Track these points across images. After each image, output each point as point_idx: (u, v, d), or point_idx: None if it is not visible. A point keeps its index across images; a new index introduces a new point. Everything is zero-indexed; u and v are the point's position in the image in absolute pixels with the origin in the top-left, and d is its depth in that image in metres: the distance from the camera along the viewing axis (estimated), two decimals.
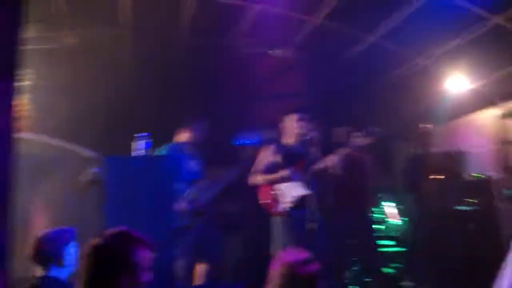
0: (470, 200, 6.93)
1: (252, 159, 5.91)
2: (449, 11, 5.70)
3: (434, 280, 6.13)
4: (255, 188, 5.50)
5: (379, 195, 7.68)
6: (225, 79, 7.71)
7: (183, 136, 5.81)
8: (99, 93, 6.56)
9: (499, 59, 6.36)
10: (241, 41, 7.49)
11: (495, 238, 6.68)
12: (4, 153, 2.58)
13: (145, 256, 2.46)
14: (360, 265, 6.37)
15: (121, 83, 6.76)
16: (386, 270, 6.85)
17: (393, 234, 7.44)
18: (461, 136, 8.03)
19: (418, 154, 6.28)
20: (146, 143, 4.46)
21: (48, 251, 3.39)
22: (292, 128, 5.44)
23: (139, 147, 4.44)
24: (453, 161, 7.22)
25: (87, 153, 5.66)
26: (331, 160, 5.29)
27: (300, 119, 5.40)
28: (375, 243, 6.20)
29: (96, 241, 2.46)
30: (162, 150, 5.50)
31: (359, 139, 5.42)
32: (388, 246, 7.15)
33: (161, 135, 5.42)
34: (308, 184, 5.06)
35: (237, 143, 7.01)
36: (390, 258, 7.01)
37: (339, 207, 5.99)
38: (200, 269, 5.53)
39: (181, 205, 5.22)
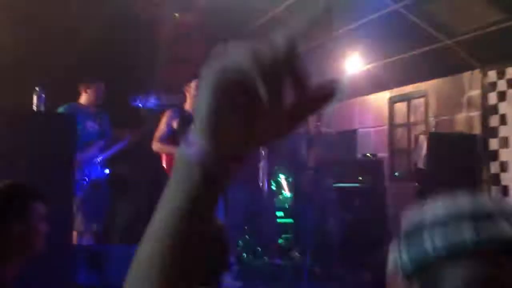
0: (360, 178, 7.27)
1: (150, 122, 5.83)
2: None
3: (320, 253, 6.35)
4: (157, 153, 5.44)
5: (275, 167, 7.85)
6: (128, 40, 7.50)
7: (83, 97, 5.63)
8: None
9: (394, 45, 6.63)
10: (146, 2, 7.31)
11: (380, 214, 7.07)
12: None
13: (39, 207, 2.38)
14: (253, 234, 6.48)
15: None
16: (277, 240, 7.05)
17: (283, 205, 7.65)
18: (355, 116, 8.36)
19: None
20: (41, 98, 4.25)
21: None
22: (193, 94, 5.39)
23: (37, 101, 4.23)
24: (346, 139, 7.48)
25: None
26: None
27: (199, 85, 5.34)
28: (269, 214, 6.32)
29: None
30: (60, 110, 5.30)
31: None
32: (279, 217, 7.34)
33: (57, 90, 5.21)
34: None
35: (135, 104, 6.86)
36: (280, 229, 7.21)
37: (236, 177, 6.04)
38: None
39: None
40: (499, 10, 5.28)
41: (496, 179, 5.88)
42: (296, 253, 6.67)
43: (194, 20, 7.46)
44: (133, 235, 6.56)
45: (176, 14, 7.40)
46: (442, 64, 6.53)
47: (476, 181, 6.08)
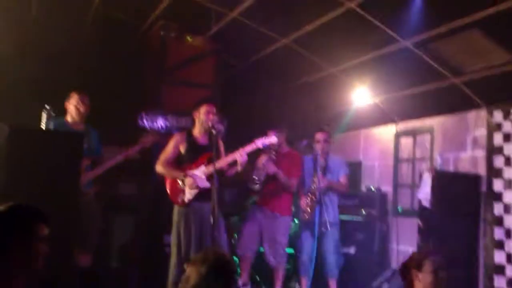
0: (363, 211, 7.26)
1: (155, 143, 5.85)
2: (363, 29, 5.91)
3: (320, 284, 6.33)
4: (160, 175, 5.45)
5: None
6: (137, 60, 7.60)
7: (68, 114, 5.61)
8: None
9: (402, 80, 6.67)
10: (157, 23, 7.41)
11: (382, 249, 7.04)
12: None
13: (40, 228, 2.41)
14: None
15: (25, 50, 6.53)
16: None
17: None
18: (360, 148, 8.37)
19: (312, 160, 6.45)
20: (51, 116, 4.30)
21: None
22: (200, 120, 5.42)
23: (46, 119, 4.27)
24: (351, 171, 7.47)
25: None
26: (234, 158, 5.31)
27: (208, 112, 5.38)
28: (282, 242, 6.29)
29: None
30: (50, 124, 5.26)
31: (265, 139, 5.49)
32: None
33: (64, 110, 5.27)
34: (211, 177, 5.05)
35: (142, 124, 6.90)
36: None
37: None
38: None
39: None
40: (507, 51, 5.32)
41: (499, 220, 5.86)
42: (297, 284, 6.63)
43: (206, 44, 7.55)
44: (132, 257, 6.58)
45: (189, 38, 7.47)
46: (448, 101, 6.55)
47: (479, 222, 6.06)
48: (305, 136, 6.89)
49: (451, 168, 6.56)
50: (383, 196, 7.49)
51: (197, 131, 5.45)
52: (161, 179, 5.49)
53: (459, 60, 5.85)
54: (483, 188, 6.10)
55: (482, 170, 6.18)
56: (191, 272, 2.59)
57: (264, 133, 5.80)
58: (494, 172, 5.98)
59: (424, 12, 5.21)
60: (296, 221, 6.99)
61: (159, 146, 5.68)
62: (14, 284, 2.36)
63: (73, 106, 5.56)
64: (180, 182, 5.23)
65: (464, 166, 6.42)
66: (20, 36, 6.55)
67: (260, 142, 5.45)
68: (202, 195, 5.14)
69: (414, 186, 7.13)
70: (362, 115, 7.69)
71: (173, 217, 5.28)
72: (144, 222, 6.87)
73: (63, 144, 4.22)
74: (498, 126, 6.00)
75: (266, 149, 5.78)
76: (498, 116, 6.02)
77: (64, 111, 5.58)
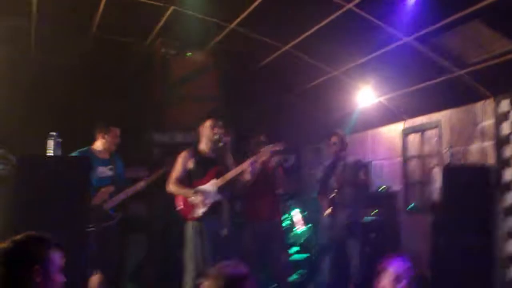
0: (374, 211, 7.22)
1: (165, 161, 5.86)
2: (363, 29, 5.90)
3: None
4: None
5: (289, 202, 7.84)
6: (139, 78, 7.64)
7: (98, 142, 5.69)
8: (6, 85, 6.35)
9: (406, 76, 6.65)
10: (157, 41, 7.44)
11: (394, 248, 7.00)
12: None
13: (56, 257, 2.42)
14: (266, 272, 6.43)
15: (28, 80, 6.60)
16: (291, 277, 6.97)
17: (298, 240, 7.60)
18: (368, 148, 8.34)
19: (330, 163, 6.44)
20: (57, 143, 4.30)
21: None
22: (207, 134, 5.41)
23: (51, 146, 4.28)
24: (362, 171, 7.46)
25: None
26: (243, 168, 5.30)
27: (214, 125, 5.38)
28: (282, 250, 6.27)
29: (4, 245, 2.43)
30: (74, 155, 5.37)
31: (270, 147, 5.48)
32: (293, 253, 7.28)
33: (72, 136, 5.30)
34: (220, 191, 5.05)
35: (152, 143, 6.93)
36: (295, 264, 7.15)
37: (249, 214, 6.04)
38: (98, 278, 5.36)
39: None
40: (510, 40, 5.30)
41: (511, 210, 5.81)
42: None
43: (207, 57, 7.57)
44: (146, 276, 6.57)
45: (189, 53, 7.49)
46: (455, 94, 6.52)
47: (491, 214, 6.01)
48: (314, 142, 6.87)
49: (461, 161, 6.52)
50: (393, 194, 7.46)
51: (204, 145, 5.44)
52: (171, 197, 5.48)
53: (463, 52, 5.82)
54: (494, 179, 6.06)
55: (491, 160, 6.13)
56: (208, 287, 2.57)
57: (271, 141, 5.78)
58: (504, 162, 5.93)
59: (424, 7, 5.19)
60: (309, 226, 6.98)
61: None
62: None
63: (110, 139, 5.71)
64: (192, 198, 5.22)
65: (474, 158, 6.38)
66: (21, 65, 6.59)
67: (268, 150, 5.44)
68: (214, 208, 5.13)
69: (424, 182, 7.09)
70: (368, 115, 7.67)
71: (186, 232, 5.27)
72: (156, 240, 6.85)
73: (71, 169, 4.21)
74: (506, 115, 5.96)
75: (274, 156, 5.75)
76: (505, 105, 5.97)
77: (78, 135, 5.65)
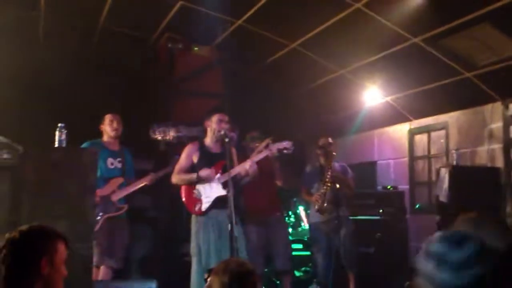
0: (380, 210, 7.20)
1: (169, 155, 5.86)
2: (371, 28, 5.88)
3: (340, 285, 6.28)
4: (177, 186, 5.44)
5: (294, 199, 7.83)
6: (147, 73, 7.64)
7: (104, 135, 5.69)
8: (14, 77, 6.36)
9: (413, 77, 6.63)
10: (164, 36, 7.43)
11: (401, 247, 6.98)
12: None
13: (62, 249, 2.42)
14: (271, 267, 6.42)
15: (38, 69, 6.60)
16: (295, 273, 6.97)
17: (302, 237, 7.60)
18: (375, 148, 8.32)
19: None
20: (63, 134, 4.30)
21: None
22: (213, 129, 5.40)
23: (59, 137, 4.27)
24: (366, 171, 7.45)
25: None
26: (248, 164, 5.29)
27: (220, 121, 5.37)
28: (287, 246, 6.26)
29: (11, 235, 2.41)
30: (83, 146, 5.38)
31: (276, 145, 5.46)
32: (297, 249, 7.27)
33: (78, 128, 5.30)
34: (226, 185, 5.03)
35: (154, 137, 6.92)
36: (299, 262, 7.14)
37: (253, 210, 6.03)
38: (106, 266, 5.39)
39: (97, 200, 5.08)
40: None
41: None
42: (315, 286, 6.59)
43: (213, 53, 7.55)
44: (151, 268, 6.59)
45: (196, 48, 7.48)
46: (462, 96, 6.50)
47: (498, 215, 5.98)
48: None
49: (468, 163, 6.50)
50: (399, 194, 7.44)
51: (209, 140, 5.43)
52: (176, 190, 5.47)
53: (471, 54, 5.80)
54: (502, 180, 6.04)
55: (500, 162, 6.11)
56: (214, 282, 2.56)
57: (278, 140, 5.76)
58: None
59: (433, 8, 5.17)
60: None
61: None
62: None
63: (106, 127, 5.66)
64: (195, 192, 5.21)
65: (481, 160, 6.36)
66: (30, 58, 6.59)
67: (275, 148, 5.42)
68: (219, 202, 5.12)
69: (431, 183, 7.08)
70: (375, 114, 7.65)
71: (192, 226, 5.27)
72: (162, 233, 6.86)
73: (77, 161, 4.21)
74: None
75: (279, 154, 5.73)
76: None
77: (85, 128, 5.65)
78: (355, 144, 8.24)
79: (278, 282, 6.62)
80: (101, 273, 5.27)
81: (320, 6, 5.87)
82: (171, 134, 7.02)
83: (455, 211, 5.82)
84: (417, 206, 7.33)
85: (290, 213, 7.78)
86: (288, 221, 7.58)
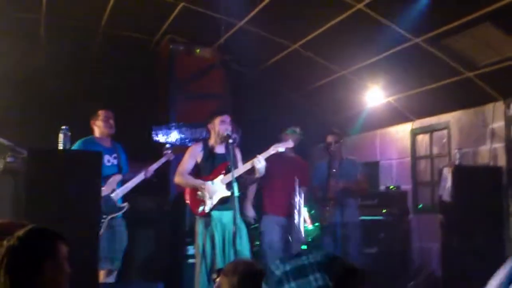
0: (383, 211, 7.21)
1: (172, 156, 5.86)
2: (373, 29, 5.89)
3: None
4: (180, 187, 5.46)
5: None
6: (148, 74, 7.66)
7: (95, 131, 5.64)
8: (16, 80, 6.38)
9: (415, 77, 6.64)
10: (165, 37, 7.45)
11: (404, 247, 6.99)
12: None
13: (63, 248, 2.40)
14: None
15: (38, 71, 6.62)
16: None
17: (306, 239, 7.59)
18: (377, 148, 8.33)
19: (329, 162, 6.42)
20: (67, 136, 4.31)
21: None
22: (216, 130, 5.42)
23: (63, 140, 4.28)
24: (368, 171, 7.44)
25: (2, 141, 5.40)
26: (255, 162, 5.30)
27: (222, 122, 5.39)
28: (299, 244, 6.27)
29: (9, 242, 2.32)
30: (76, 145, 5.31)
31: (278, 146, 5.48)
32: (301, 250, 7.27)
33: (80, 130, 5.31)
34: (230, 186, 5.05)
35: (156, 139, 6.93)
36: None
37: (271, 210, 6.06)
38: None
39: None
40: None
41: None
42: None
43: (215, 55, 7.56)
44: (155, 271, 6.59)
45: (198, 50, 7.49)
46: (464, 96, 6.51)
47: (501, 214, 6.00)
48: (320, 141, 6.85)
49: (470, 163, 6.51)
50: (402, 194, 7.45)
51: (213, 141, 5.45)
52: (180, 191, 5.49)
53: (473, 54, 5.82)
54: (504, 180, 6.05)
55: (502, 162, 6.12)
56: (223, 283, 2.58)
57: (278, 139, 5.78)
58: None
59: (435, 8, 5.18)
60: (316, 225, 6.96)
61: (178, 159, 5.69)
62: None
63: (101, 123, 5.59)
64: (199, 193, 5.23)
65: (483, 160, 6.37)
66: (31, 60, 6.60)
67: (277, 148, 5.44)
68: (223, 203, 5.14)
69: (434, 183, 7.09)
70: (377, 115, 7.66)
71: (196, 227, 5.28)
72: (165, 235, 6.86)
73: (82, 163, 4.22)
74: None
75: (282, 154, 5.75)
76: None
77: (87, 130, 5.62)
78: (358, 144, 8.25)
79: None
80: (103, 276, 5.25)
81: (321, 7, 5.88)
82: (174, 136, 7.04)
83: (458, 210, 5.88)
84: (419, 206, 7.35)
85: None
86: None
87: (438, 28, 5.58)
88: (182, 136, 7.07)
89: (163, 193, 6.87)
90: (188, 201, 5.34)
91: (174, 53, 7.44)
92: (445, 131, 7.08)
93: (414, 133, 7.62)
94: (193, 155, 5.41)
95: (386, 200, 7.34)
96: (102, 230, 5.06)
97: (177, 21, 6.91)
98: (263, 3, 6.01)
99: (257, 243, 6.80)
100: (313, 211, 7.69)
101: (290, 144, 5.59)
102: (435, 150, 7.35)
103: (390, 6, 5.52)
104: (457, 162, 6.31)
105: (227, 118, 5.41)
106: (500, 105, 6.18)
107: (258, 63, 7.96)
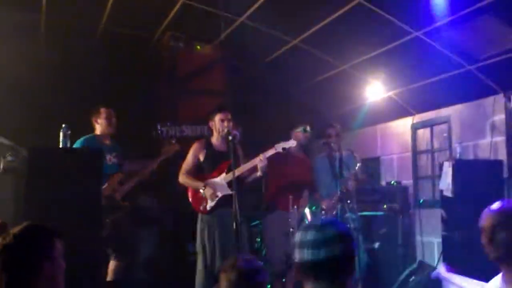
0: (384, 206, 7.21)
1: (176, 153, 5.87)
2: (373, 23, 5.88)
3: None
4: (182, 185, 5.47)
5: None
6: (149, 72, 7.66)
7: (97, 129, 5.65)
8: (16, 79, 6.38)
9: (415, 71, 6.63)
10: (166, 34, 7.44)
11: (406, 242, 6.99)
12: None
13: (59, 244, 2.41)
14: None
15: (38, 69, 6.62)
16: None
17: None
18: (377, 143, 8.32)
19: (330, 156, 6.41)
20: (67, 135, 4.32)
21: None
22: (216, 128, 5.42)
23: (63, 138, 4.29)
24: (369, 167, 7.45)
25: (2, 140, 5.41)
26: (255, 162, 5.31)
27: (223, 119, 5.39)
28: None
29: (5, 240, 2.35)
30: (78, 143, 5.32)
31: (281, 144, 5.48)
32: None
33: (81, 127, 5.32)
34: (231, 184, 5.06)
35: (157, 135, 6.94)
36: None
37: (264, 206, 6.06)
38: (113, 265, 5.42)
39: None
40: None
41: None
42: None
43: (216, 51, 7.55)
44: (157, 268, 6.61)
45: (198, 46, 7.49)
46: (465, 89, 6.49)
47: None
48: (321, 136, 6.84)
49: (471, 156, 6.51)
50: (403, 189, 7.45)
51: (215, 139, 5.47)
52: (182, 189, 5.50)
53: (473, 47, 5.79)
54: (505, 173, 6.04)
55: (502, 155, 6.12)
56: (222, 279, 2.59)
57: (281, 137, 5.77)
58: None
59: (434, 1, 5.17)
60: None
61: (180, 156, 5.69)
62: None
63: (103, 121, 5.61)
64: (201, 191, 5.25)
65: (484, 153, 6.36)
66: (31, 58, 6.61)
67: (280, 146, 5.44)
68: (224, 201, 5.15)
69: (435, 177, 7.08)
70: (378, 109, 7.65)
71: (197, 225, 5.30)
72: (167, 232, 6.88)
73: (83, 161, 4.23)
74: None
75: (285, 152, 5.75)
76: None
77: (88, 128, 5.63)
78: (358, 139, 8.24)
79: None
80: (111, 268, 5.30)
81: (321, 2, 5.88)
82: (175, 133, 7.05)
83: (459, 204, 5.87)
84: (420, 201, 7.35)
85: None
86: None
87: (438, 21, 5.56)
88: (183, 133, 7.08)
89: (165, 190, 6.89)
90: (190, 199, 5.36)
91: (174, 50, 7.44)
92: (445, 125, 7.07)
93: (415, 128, 7.60)
94: (196, 153, 5.43)
95: (387, 195, 7.35)
96: (104, 229, 5.08)
97: (178, 17, 6.89)
98: None
99: (258, 239, 6.82)
100: (314, 207, 7.69)
101: (293, 143, 5.58)
102: (436, 144, 7.34)
103: None
104: (457, 156, 6.30)
105: (227, 115, 5.42)
106: (500, 98, 6.16)
107: (258, 59, 7.95)
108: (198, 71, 7.48)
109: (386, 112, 7.74)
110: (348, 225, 5.96)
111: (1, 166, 5.21)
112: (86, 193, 4.04)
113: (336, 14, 5.96)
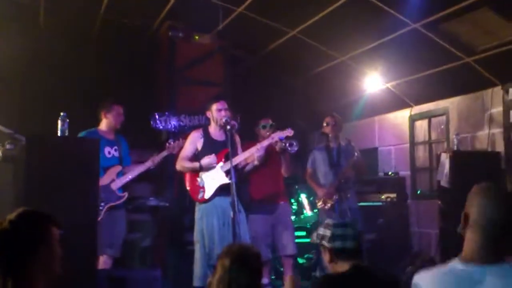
0: (382, 197, 7.24)
1: (179, 150, 5.87)
2: (371, 15, 5.88)
3: None
4: (181, 174, 5.47)
5: (296, 186, 7.86)
6: (147, 62, 7.66)
7: (103, 122, 5.68)
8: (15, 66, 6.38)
9: (414, 63, 6.64)
10: (164, 24, 7.43)
11: (403, 233, 7.01)
12: None
13: (56, 231, 2.39)
14: (275, 255, 6.44)
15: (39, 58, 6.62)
16: (298, 260, 7.00)
17: (305, 225, 7.64)
18: (375, 134, 8.34)
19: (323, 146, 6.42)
20: (65, 123, 4.32)
21: None
22: (214, 117, 5.42)
23: (61, 127, 4.29)
24: (367, 158, 7.46)
25: (1, 128, 5.42)
26: (252, 151, 5.33)
27: (220, 109, 5.39)
28: (290, 233, 6.25)
29: (1, 226, 2.29)
30: (81, 136, 5.35)
31: (278, 133, 5.48)
32: (300, 237, 7.31)
33: (79, 117, 5.32)
34: (229, 173, 5.06)
35: (156, 126, 6.94)
36: (302, 248, 7.17)
37: (258, 197, 6.04)
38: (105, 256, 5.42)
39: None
40: None
41: None
42: (318, 273, 6.61)
43: (214, 41, 7.55)
44: (155, 257, 6.62)
45: (197, 36, 7.48)
46: (463, 81, 6.51)
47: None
48: (319, 127, 6.85)
49: (468, 148, 6.53)
50: (401, 180, 7.49)
51: (212, 129, 5.46)
52: (179, 178, 5.51)
53: (471, 39, 5.80)
54: (503, 165, 6.06)
55: (500, 147, 6.14)
56: (218, 265, 2.60)
57: (279, 126, 5.78)
58: None
59: None
60: (315, 211, 6.98)
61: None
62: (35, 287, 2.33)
63: (112, 117, 5.65)
64: (199, 180, 5.25)
65: (482, 145, 6.38)
66: (30, 47, 6.60)
67: (276, 136, 5.45)
68: (222, 190, 5.15)
69: (432, 168, 7.10)
70: (376, 101, 7.67)
71: (195, 214, 5.31)
72: (165, 222, 6.89)
73: (80, 150, 4.24)
74: None
75: (282, 142, 5.74)
76: None
77: (86, 117, 5.63)
78: (356, 130, 8.25)
79: (282, 269, 6.65)
80: (101, 262, 5.29)
81: None
82: (173, 123, 7.05)
83: (456, 196, 5.89)
84: (418, 192, 7.38)
85: (292, 200, 7.79)
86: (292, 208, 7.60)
87: (436, 13, 5.57)
88: (181, 123, 7.08)
89: (162, 180, 6.90)
90: (188, 188, 5.37)
91: (173, 39, 7.42)
92: (443, 117, 7.09)
93: (413, 119, 7.63)
94: (193, 142, 5.42)
95: (385, 186, 7.39)
96: (101, 217, 5.09)
97: (176, 7, 6.88)
98: None
99: None
100: (312, 198, 7.73)
101: (290, 132, 5.57)
102: (434, 136, 7.37)
103: None
104: (455, 148, 6.32)
105: (224, 104, 5.41)
106: (498, 90, 6.18)
107: (257, 50, 7.95)
108: (196, 61, 7.46)
109: (384, 104, 7.75)
110: (346, 216, 6.00)
111: (0, 154, 5.22)
112: (83, 182, 4.05)
113: (335, 6, 5.96)
